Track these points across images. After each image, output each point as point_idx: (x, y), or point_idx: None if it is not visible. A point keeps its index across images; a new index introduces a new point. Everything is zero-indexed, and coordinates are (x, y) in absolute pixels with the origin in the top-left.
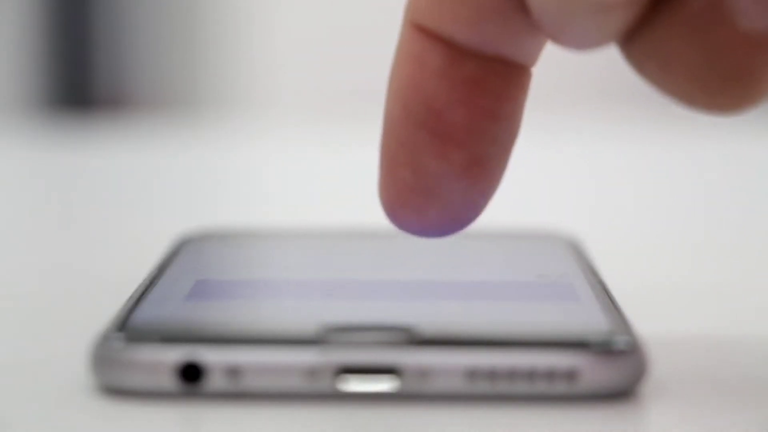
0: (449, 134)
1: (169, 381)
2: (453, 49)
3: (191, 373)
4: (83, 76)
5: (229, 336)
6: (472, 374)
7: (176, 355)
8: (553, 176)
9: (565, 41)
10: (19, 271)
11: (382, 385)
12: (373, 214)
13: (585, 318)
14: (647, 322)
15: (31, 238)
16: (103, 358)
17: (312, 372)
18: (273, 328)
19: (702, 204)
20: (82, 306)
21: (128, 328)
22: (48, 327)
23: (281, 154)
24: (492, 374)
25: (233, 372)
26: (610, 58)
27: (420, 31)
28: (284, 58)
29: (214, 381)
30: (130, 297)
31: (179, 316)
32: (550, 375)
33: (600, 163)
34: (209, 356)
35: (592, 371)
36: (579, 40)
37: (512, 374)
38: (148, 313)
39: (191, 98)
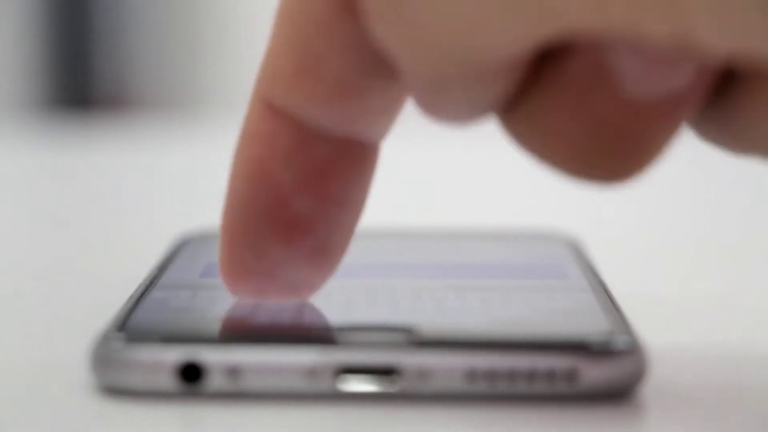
0: (294, 223)
1: (169, 381)
2: (303, 131)
3: (191, 373)
4: (83, 76)
5: (229, 336)
6: (472, 374)
7: (176, 355)
8: (553, 176)
9: (439, 114)
10: (19, 271)
11: (382, 385)
12: (373, 214)
13: (585, 318)
14: (647, 323)
15: (31, 238)
16: (103, 358)
17: (312, 372)
18: (273, 328)
19: (702, 205)
20: (82, 306)
21: (128, 328)
22: (48, 327)
23: None
24: (492, 374)
25: (233, 372)
26: None
27: (269, 108)
28: None
29: (214, 381)
30: (130, 297)
31: (179, 315)
32: (550, 375)
33: None
34: (209, 356)
35: (592, 371)
36: (451, 112)
37: (512, 374)
38: (148, 313)
39: (191, 98)
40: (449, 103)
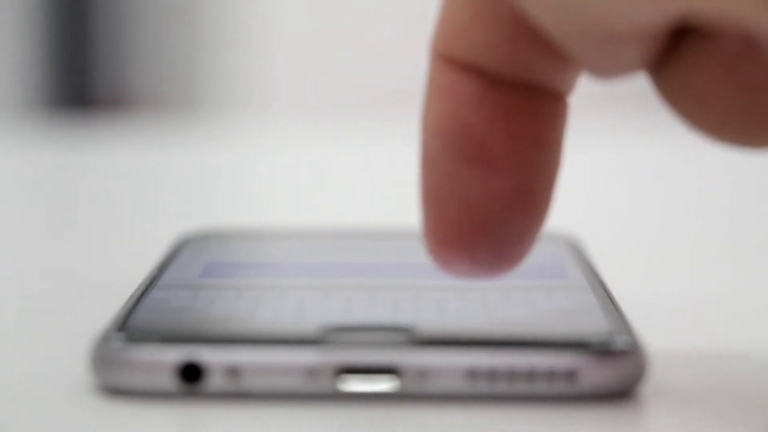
0: (492, 162)
1: (169, 381)
2: (486, 78)
3: (191, 373)
4: (83, 76)
5: (229, 336)
6: (472, 374)
7: (176, 355)
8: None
9: (589, 70)
10: (19, 272)
11: (382, 385)
12: (373, 214)
13: (585, 318)
14: (647, 323)
15: (31, 239)
16: (103, 358)
17: (312, 372)
18: (273, 328)
19: (703, 205)
20: (82, 306)
21: (128, 328)
22: (48, 327)
23: (281, 153)
24: (492, 374)
25: (233, 372)
26: None
27: (450, 62)
28: (284, 57)
29: (214, 381)
30: (130, 297)
31: (179, 315)
32: (550, 375)
33: (600, 164)
34: (209, 356)
35: (592, 371)
36: (600, 70)
37: (512, 374)
38: (148, 313)
39: (191, 98)
40: (592, 62)
